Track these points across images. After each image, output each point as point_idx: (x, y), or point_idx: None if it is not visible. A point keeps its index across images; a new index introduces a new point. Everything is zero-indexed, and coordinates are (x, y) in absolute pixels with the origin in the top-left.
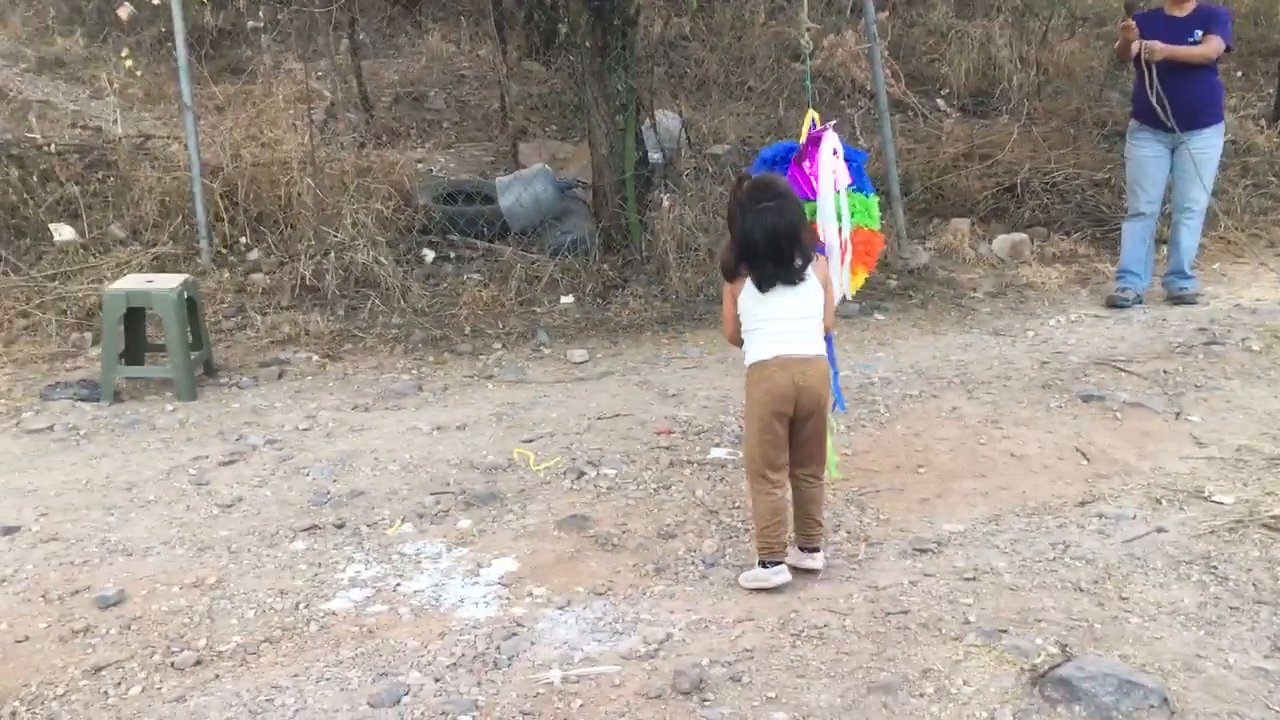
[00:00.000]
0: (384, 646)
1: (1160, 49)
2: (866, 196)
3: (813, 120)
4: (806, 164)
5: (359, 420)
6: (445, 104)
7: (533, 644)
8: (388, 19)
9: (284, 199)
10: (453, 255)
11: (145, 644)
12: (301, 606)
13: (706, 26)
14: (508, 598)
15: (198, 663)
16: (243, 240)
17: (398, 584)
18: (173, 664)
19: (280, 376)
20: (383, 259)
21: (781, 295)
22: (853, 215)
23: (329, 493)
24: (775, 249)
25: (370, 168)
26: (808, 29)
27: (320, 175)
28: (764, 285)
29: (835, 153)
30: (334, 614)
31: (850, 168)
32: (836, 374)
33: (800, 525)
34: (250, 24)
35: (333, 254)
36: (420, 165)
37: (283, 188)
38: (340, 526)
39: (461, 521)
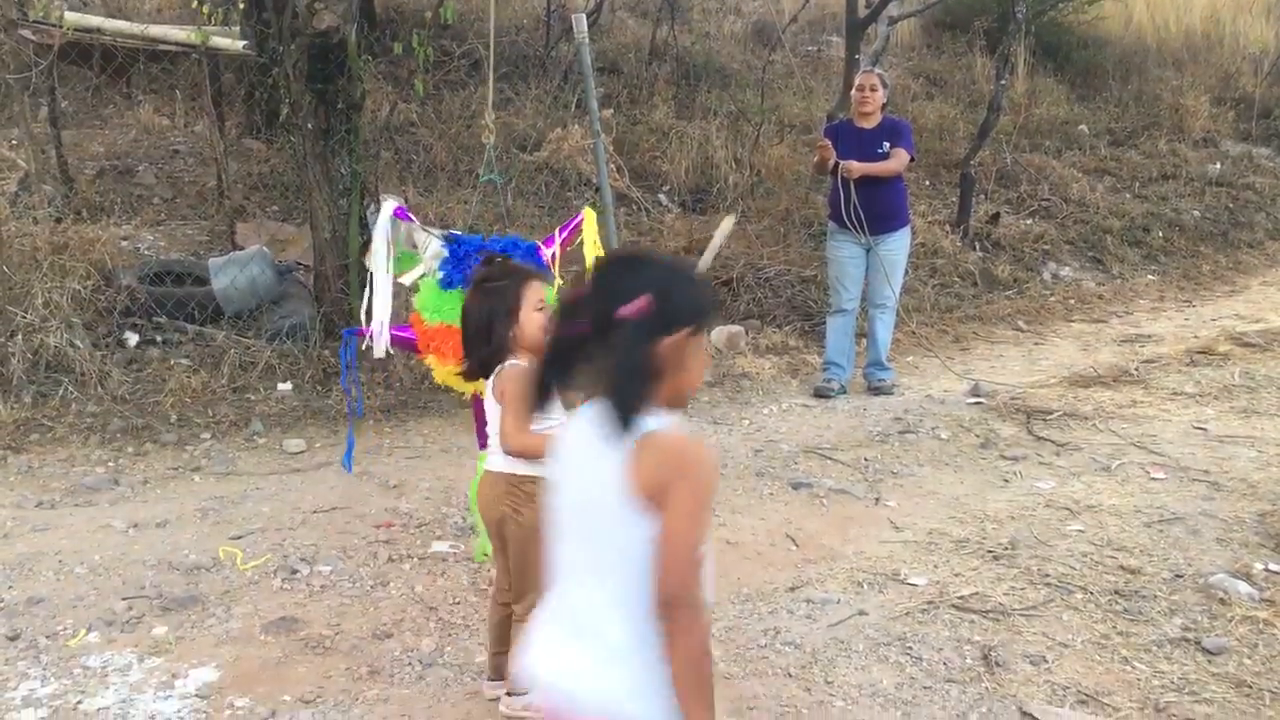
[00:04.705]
0: None
1: (856, 168)
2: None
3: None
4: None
5: (43, 518)
6: (156, 179)
7: None
8: (93, 88)
9: None
10: (159, 339)
11: None
12: None
13: (435, 113)
14: (206, 712)
15: None
16: None
17: (79, 701)
18: None
19: None
20: (78, 342)
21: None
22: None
23: (2, 601)
24: (478, 333)
25: (68, 244)
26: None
27: (7, 250)
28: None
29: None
30: None
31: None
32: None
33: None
34: None
35: (20, 336)
36: (126, 243)
37: None
38: (14, 638)
39: (156, 629)
